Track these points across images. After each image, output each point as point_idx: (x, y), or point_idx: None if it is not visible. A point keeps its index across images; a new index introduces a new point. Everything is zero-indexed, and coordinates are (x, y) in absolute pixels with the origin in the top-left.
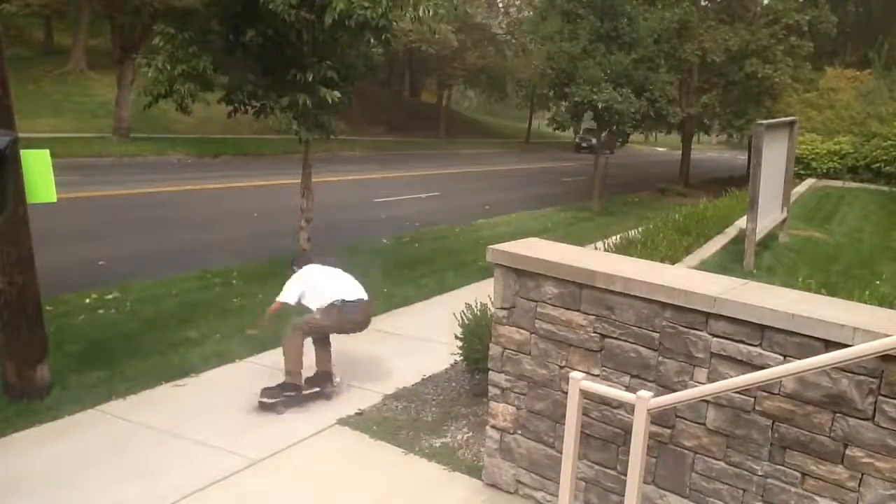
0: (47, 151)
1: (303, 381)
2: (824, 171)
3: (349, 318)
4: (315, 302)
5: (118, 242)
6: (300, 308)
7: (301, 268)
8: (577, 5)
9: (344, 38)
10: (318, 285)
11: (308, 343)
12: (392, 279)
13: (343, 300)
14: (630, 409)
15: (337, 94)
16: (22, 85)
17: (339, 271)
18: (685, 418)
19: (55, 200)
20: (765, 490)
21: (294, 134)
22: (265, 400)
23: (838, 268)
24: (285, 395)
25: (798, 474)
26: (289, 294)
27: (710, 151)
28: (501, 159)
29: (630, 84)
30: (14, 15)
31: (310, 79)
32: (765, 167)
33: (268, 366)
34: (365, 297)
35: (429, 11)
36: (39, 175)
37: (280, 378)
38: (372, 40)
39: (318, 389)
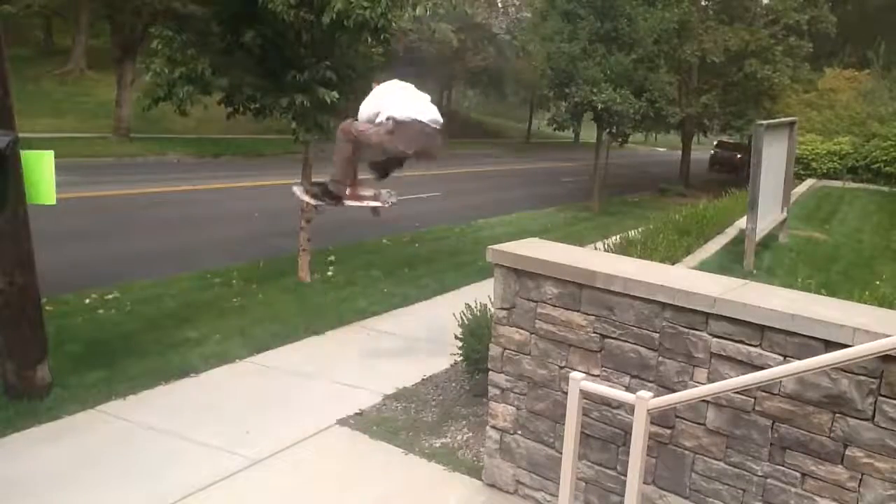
0: (51, 152)
1: (346, 193)
2: (824, 171)
3: (414, 142)
4: (387, 111)
5: (118, 242)
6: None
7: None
8: (577, 6)
9: (343, 39)
10: (394, 102)
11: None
12: (392, 279)
13: (412, 117)
14: (630, 409)
15: (335, 94)
16: (22, 85)
17: (414, 89)
18: (685, 418)
19: (55, 202)
20: (765, 490)
21: (292, 133)
22: (309, 200)
23: (838, 268)
24: (326, 200)
25: (798, 475)
26: (362, 114)
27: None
28: (501, 159)
29: (630, 84)
30: (14, 15)
31: (307, 79)
32: (765, 167)
33: (268, 366)
34: (440, 121)
35: (427, 11)
36: (41, 176)
37: None
38: (371, 40)
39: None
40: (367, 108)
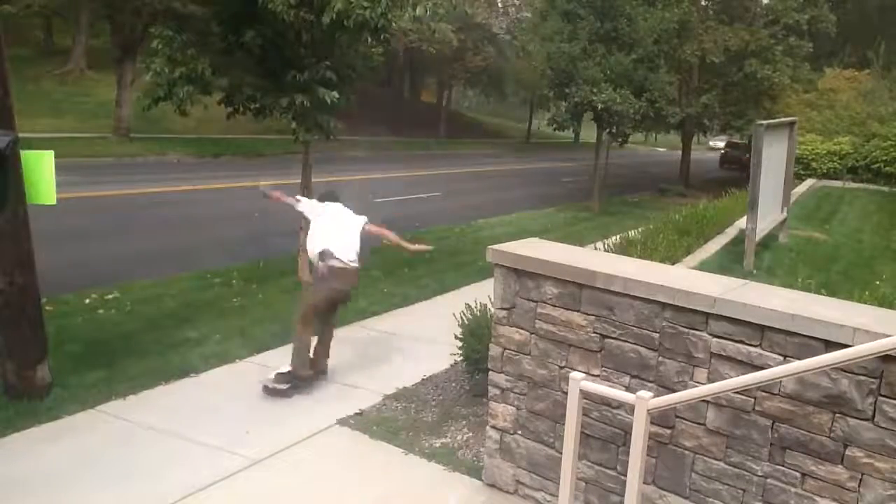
0: (51, 152)
1: (310, 371)
2: (824, 171)
3: (331, 282)
4: (309, 241)
5: (118, 242)
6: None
7: (326, 201)
8: (577, 6)
9: (343, 39)
10: (319, 228)
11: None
12: (392, 279)
13: (330, 251)
14: (630, 409)
15: (335, 94)
16: (22, 85)
17: (346, 222)
18: (685, 418)
19: (55, 202)
20: (765, 490)
21: (292, 133)
22: (278, 386)
23: (838, 268)
24: (294, 383)
25: (798, 474)
26: (304, 202)
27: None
28: (501, 159)
29: (630, 85)
30: (14, 15)
31: (307, 79)
32: (765, 167)
33: (268, 366)
34: (353, 259)
35: (427, 11)
36: (41, 176)
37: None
38: (370, 40)
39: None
40: (306, 202)
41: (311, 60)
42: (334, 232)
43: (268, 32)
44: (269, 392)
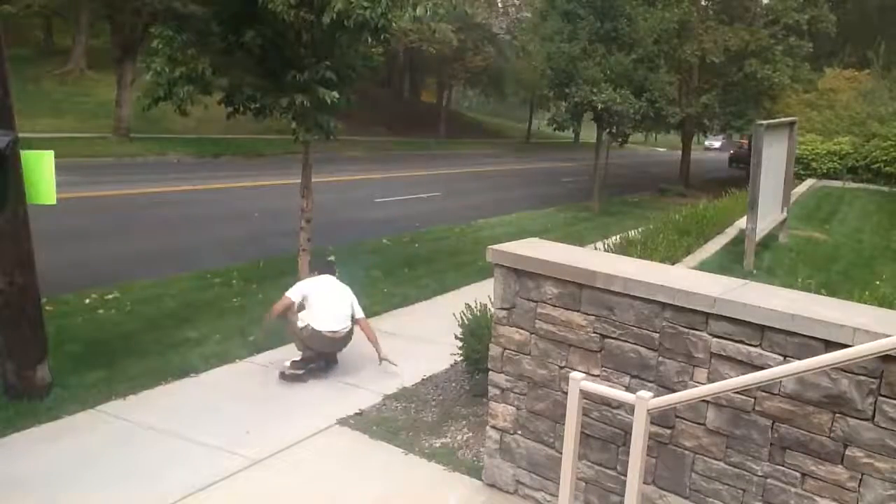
0: (51, 153)
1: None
2: (824, 171)
3: (318, 344)
4: (304, 315)
5: (118, 242)
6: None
7: (319, 273)
8: (577, 6)
9: (343, 39)
10: (311, 302)
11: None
12: (392, 279)
13: (313, 328)
14: (630, 409)
15: (335, 94)
16: (22, 85)
17: (337, 294)
18: (685, 418)
19: (55, 202)
20: (765, 490)
21: (292, 133)
22: (295, 371)
23: (838, 268)
24: (309, 368)
25: (798, 474)
26: (294, 292)
27: (710, 152)
28: (501, 159)
29: (630, 85)
30: (14, 15)
31: (307, 79)
32: (765, 167)
33: (268, 365)
34: (340, 328)
35: (426, 11)
36: (41, 176)
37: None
38: (371, 40)
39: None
40: (297, 290)
41: (311, 60)
42: (326, 306)
43: (268, 32)
44: (287, 378)
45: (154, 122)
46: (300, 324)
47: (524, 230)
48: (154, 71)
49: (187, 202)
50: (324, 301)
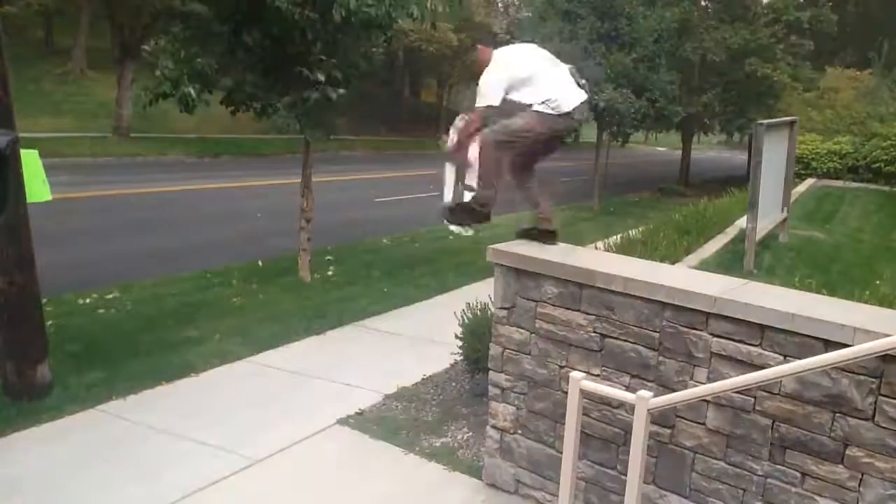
0: (36, 151)
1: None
2: (824, 171)
3: (561, 127)
4: (533, 96)
5: (118, 242)
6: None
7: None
8: (577, 6)
9: (348, 37)
10: (536, 75)
11: None
12: (392, 279)
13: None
14: (630, 409)
15: (342, 91)
16: (22, 85)
17: (546, 53)
18: (685, 418)
19: (51, 198)
20: (765, 490)
21: (300, 132)
22: (457, 226)
23: (838, 268)
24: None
25: (798, 474)
26: (491, 92)
27: (710, 151)
28: None
29: (630, 84)
30: (14, 15)
31: (320, 78)
32: (765, 167)
33: (268, 366)
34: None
35: (422, 15)
36: (32, 175)
37: None
38: (373, 38)
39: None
40: (493, 85)
41: (315, 59)
42: (554, 71)
43: (273, 31)
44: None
45: (154, 121)
46: (539, 100)
47: None
48: (161, 67)
49: (187, 202)
50: (552, 66)
